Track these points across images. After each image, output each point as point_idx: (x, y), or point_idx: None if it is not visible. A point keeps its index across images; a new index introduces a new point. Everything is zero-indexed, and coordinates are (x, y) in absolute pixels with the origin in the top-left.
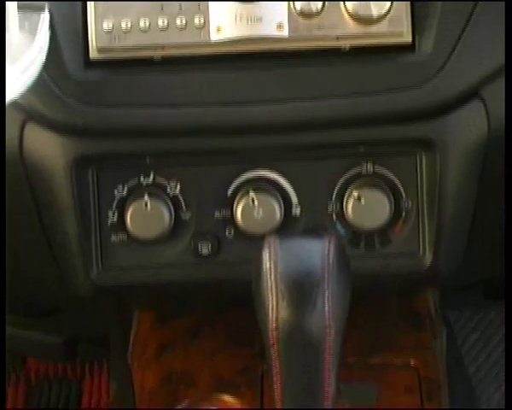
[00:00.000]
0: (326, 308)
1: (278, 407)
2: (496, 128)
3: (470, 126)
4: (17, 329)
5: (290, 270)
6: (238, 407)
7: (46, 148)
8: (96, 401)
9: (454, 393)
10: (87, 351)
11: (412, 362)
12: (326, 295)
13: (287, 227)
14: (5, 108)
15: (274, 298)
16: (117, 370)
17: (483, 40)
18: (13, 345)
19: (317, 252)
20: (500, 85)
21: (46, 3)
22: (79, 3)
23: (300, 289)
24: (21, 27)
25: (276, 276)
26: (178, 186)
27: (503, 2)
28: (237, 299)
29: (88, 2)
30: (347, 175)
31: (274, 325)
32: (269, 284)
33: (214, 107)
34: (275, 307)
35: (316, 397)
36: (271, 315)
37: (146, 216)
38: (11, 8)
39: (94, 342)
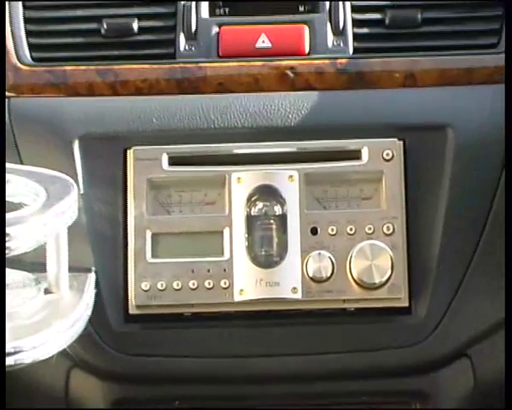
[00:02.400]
0: None
1: None
2: (482, 382)
3: (459, 381)
4: None
5: None
6: None
7: (88, 391)
8: None
9: None
10: None
11: None
12: None
13: None
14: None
15: None
16: None
17: (472, 305)
18: None
19: None
20: (486, 345)
21: (93, 267)
22: (121, 263)
23: None
24: (71, 286)
25: None
26: None
27: (492, 272)
28: None
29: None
30: None
31: None
32: None
33: (236, 358)
34: None
35: None
36: None
37: None
38: (63, 269)
39: None
